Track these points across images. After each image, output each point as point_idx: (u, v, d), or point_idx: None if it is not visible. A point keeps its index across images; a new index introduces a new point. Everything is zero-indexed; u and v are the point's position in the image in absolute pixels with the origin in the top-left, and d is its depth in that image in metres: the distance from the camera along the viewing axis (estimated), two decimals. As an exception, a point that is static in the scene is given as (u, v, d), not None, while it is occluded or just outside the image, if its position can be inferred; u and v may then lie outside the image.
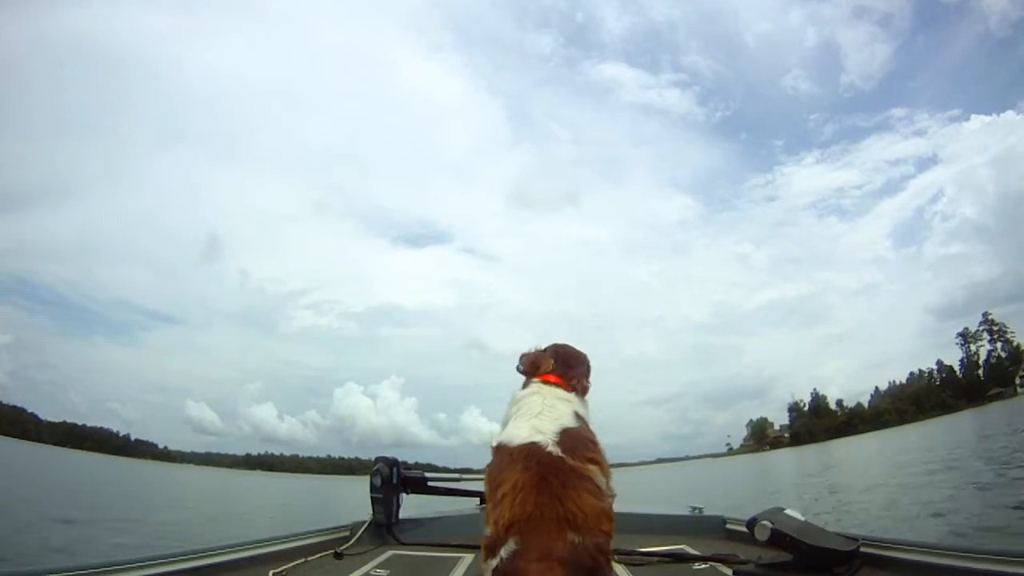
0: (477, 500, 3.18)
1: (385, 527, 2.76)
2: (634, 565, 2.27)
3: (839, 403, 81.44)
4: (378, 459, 2.85)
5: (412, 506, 3.01)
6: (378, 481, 2.78)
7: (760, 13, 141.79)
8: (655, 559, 2.38)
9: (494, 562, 1.40)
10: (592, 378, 2.09)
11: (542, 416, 1.66)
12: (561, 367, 2.00)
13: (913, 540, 2.06)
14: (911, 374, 76.69)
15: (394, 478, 2.81)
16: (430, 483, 2.99)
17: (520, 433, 1.60)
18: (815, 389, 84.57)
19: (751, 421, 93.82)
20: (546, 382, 1.89)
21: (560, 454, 1.51)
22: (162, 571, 1.87)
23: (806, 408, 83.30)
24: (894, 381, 78.01)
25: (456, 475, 3.22)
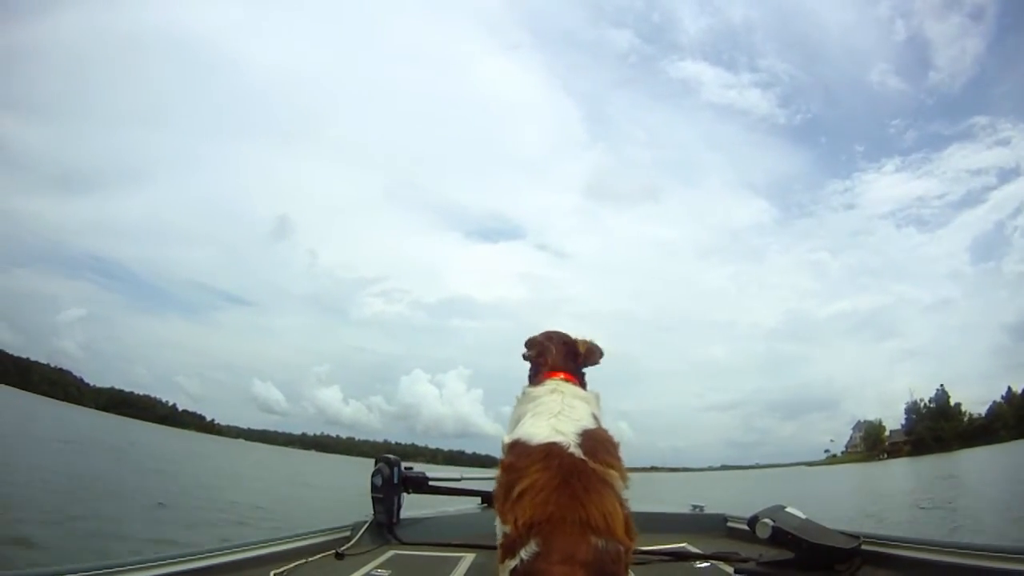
0: (479, 500, 3.39)
1: (386, 527, 2.97)
2: (636, 564, 2.37)
3: (957, 407, 75.80)
4: (379, 459, 3.07)
5: (413, 506, 3.23)
6: (379, 481, 2.99)
7: (845, 4, 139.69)
8: (656, 557, 2.49)
9: (513, 563, 1.48)
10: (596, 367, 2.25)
11: (561, 416, 1.76)
12: (570, 360, 2.16)
13: (914, 537, 2.08)
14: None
15: (395, 478, 3.01)
16: (431, 483, 3.19)
17: (540, 432, 1.70)
18: (941, 385, 78.68)
19: (859, 423, 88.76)
20: (565, 380, 2.02)
21: (582, 456, 1.61)
22: (162, 572, 2.00)
23: (924, 410, 77.50)
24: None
25: (458, 475, 3.47)
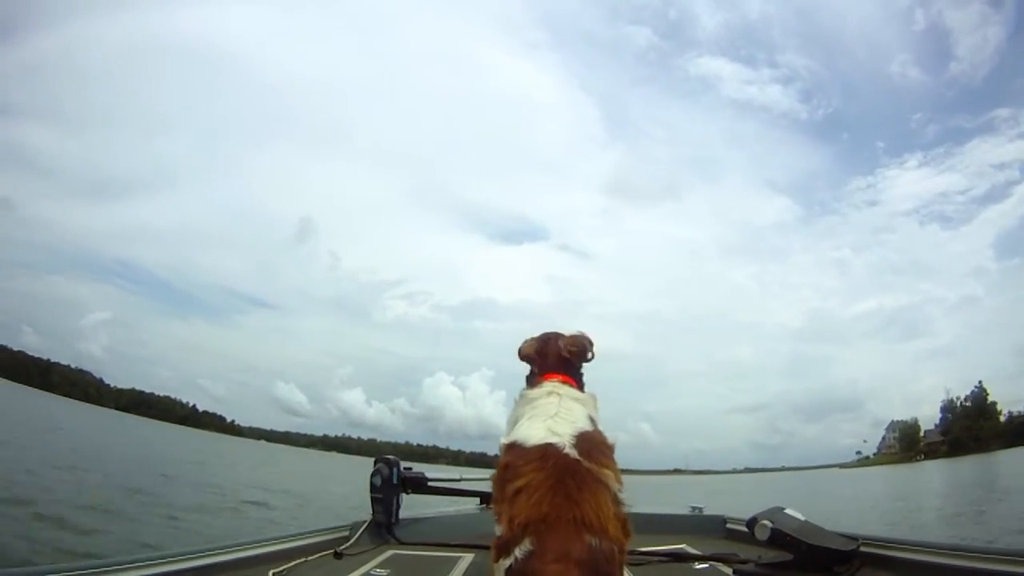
0: (477, 500, 3.43)
1: (385, 527, 3.02)
2: (635, 564, 2.39)
3: (992, 405, 73.46)
4: (379, 459, 3.12)
5: (412, 506, 3.27)
6: (378, 481, 3.03)
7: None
8: (655, 558, 2.52)
9: (507, 562, 1.50)
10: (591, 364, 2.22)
11: (558, 418, 1.78)
12: (564, 362, 2.14)
13: (913, 539, 2.09)
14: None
15: (394, 478, 3.06)
16: (430, 483, 3.23)
17: (535, 434, 1.72)
18: (980, 382, 76.53)
19: (893, 423, 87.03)
20: (562, 382, 2.02)
21: (577, 457, 1.63)
22: (161, 571, 2.04)
23: (960, 408, 75.27)
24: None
25: (456, 475, 3.51)
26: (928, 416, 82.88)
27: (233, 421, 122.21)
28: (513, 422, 1.93)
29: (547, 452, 1.64)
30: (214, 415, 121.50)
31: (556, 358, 2.15)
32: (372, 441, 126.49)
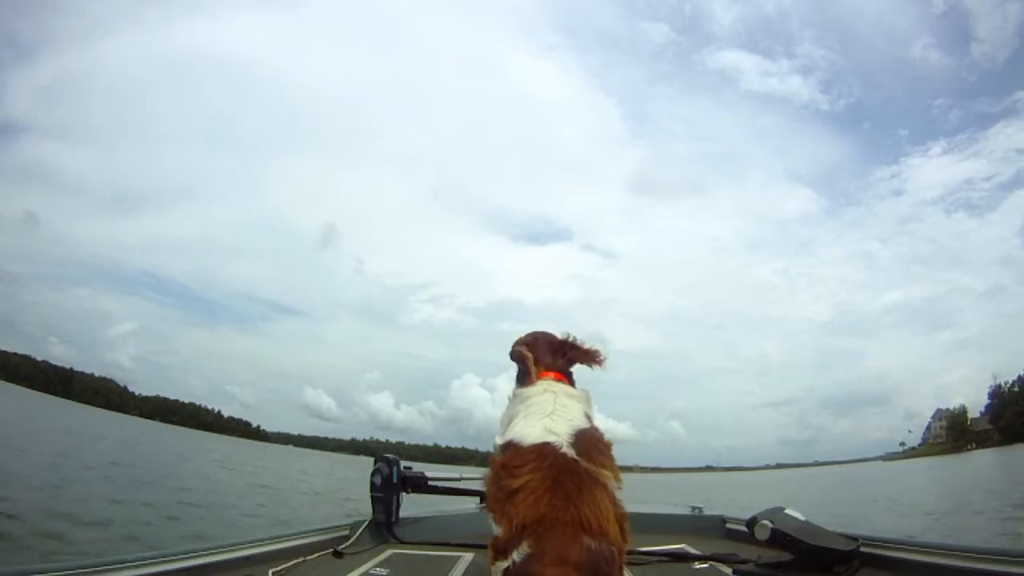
0: (477, 499, 3.47)
1: (385, 526, 3.06)
2: (634, 564, 2.39)
3: None
4: (379, 458, 3.16)
5: (412, 505, 3.31)
6: (378, 480, 3.08)
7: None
8: (655, 558, 2.51)
9: (505, 564, 1.52)
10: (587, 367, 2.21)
11: (554, 416, 1.79)
12: (559, 359, 2.16)
13: (913, 540, 2.09)
14: None
15: (394, 477, 3.09)
16: (431, 482, 3.25)
17: (532, 433, 1.73)
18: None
19: (939, 411, 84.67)
20: (556, 380, 2.04)
21: (575, 456, 1.64)
22: (161, 570, 2.08)
23: (1008, 394, 72.32)
24: None
25: (457, 474, 3.53)
26: (967, 405, 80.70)
27: (259, 426, 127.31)
28: (508, 421, 1.93)
29: (544, 451, 1.65)
30: (239, 420, 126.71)
31: (547, 356, 2.15)
32: (401, 444, 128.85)
